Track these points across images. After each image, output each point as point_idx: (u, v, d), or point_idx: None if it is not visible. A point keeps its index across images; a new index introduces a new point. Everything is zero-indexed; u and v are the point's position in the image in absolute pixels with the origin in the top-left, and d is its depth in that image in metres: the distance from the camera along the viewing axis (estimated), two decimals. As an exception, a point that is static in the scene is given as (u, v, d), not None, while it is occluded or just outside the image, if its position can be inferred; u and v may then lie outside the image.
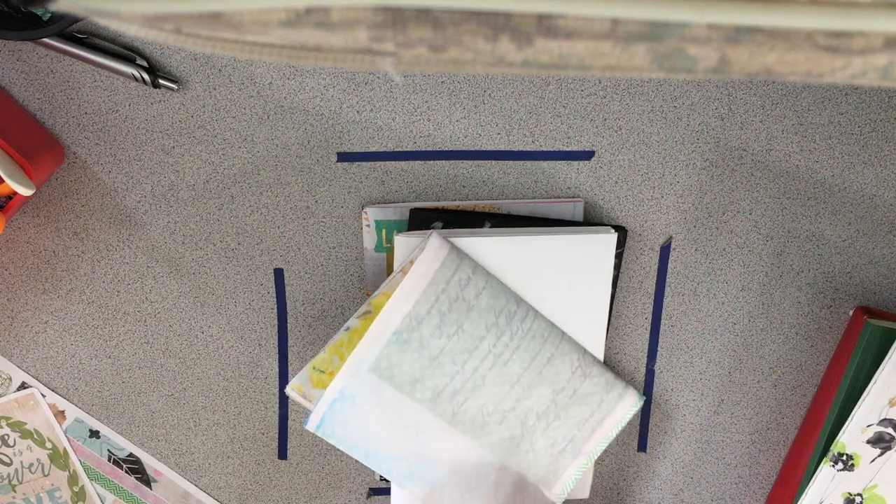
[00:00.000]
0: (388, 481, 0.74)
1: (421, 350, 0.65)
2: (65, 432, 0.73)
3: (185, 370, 0.73)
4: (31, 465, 0.74)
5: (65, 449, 0.74)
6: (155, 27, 0.33)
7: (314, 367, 0.66)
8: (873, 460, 0.67)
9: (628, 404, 0.70)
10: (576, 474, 0.71)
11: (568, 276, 0.67)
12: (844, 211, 0.70)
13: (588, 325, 0.68)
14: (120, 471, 0.74)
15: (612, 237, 0.66)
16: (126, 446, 0.74)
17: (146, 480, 0.75)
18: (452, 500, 0.68)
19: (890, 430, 0.66)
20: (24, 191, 0.61)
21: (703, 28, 0.31)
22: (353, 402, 0.66)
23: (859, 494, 0.68)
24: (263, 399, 0.74)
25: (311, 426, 0.66)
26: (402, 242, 0.66)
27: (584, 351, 0.69)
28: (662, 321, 0.73)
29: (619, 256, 0.70)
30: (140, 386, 0.73)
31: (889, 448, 0.67)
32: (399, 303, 0.64)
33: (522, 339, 0.66)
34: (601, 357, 0.69)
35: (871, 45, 0.31)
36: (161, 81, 0.66)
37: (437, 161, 0.70)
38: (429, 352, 0.65)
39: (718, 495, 0.76)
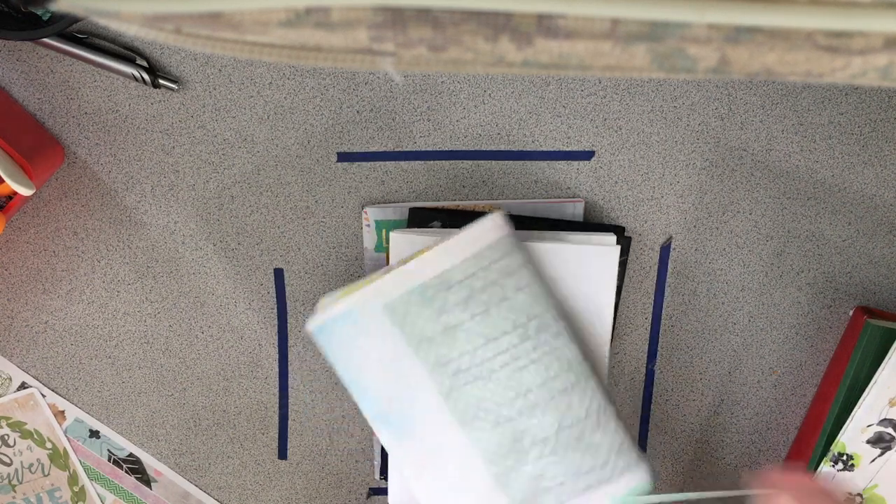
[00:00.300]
0: (387, 480, 0.74)
1: (440, 314, 0.63)
2: (65, 432, 0.73)
3: (185, 370, 0.73)
4: (31, 465, 0.74)
5: (65, 449, 0.74)
6: (155, 27, 0.33)
7: (344, 292, 0.64)
8: (873, 460, 0.67)
9: (635, 479, 0.64)
10: None
11: (569, 285, 0.67)
12: (844, 211, 0.70)
13: (590, 334, 0.68)
14: (120, 471, 0.74)
15: (616, 249, 0.65)
16: (126, 446, 0.74)
17: (146, 480, 0.75)
18: (415, 468, 0.66)
19: (890, 430, 0.66)
20: (24, 191, 0.61)
21: (703, 28, 0.31)
22: (357, 327, 0.64)
23: (859, 494, 0.68)
24: (263, 399, 0.74)
25: (310, 326, 0.64)
26: (399, 240, 0.66)
27: (609, 403, 0.64)
28: (662, 321, 0.73)
29: (622, 265, 0.70)
30: (140, 386, 0.73)
31: (889, 448, 0.67)
32: (436, 258, 0.62)
33: (546, 354, 0.64)
34: (605, 366, 0.68)
35: (871, 45, 0.31)
36: (161, 81, 0.66)
37: (437, 161, 0.70)
38: (447, 319, 0.63)
39: (718, 495, 0.77)
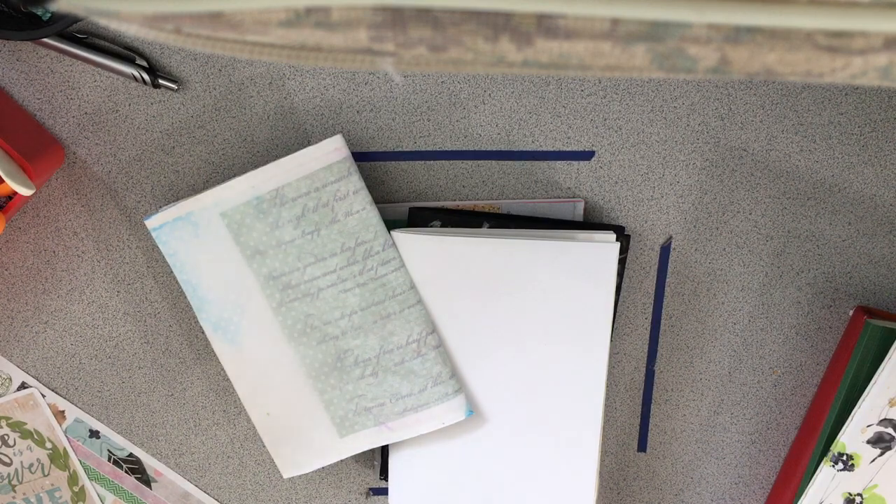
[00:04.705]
0: (387, 480, 0.74)
1: (274, 229, 0.65)
2: (65, 432, 0.73)
3: (185, 370, 0.73)
4: (31, 465, 0.74)
5: (65, 449, 0.74)
6: (155, 27, 0.33)
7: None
8: (873, 460, 0.67)
9: (451, 408, 0.67)
10: (372, 442, 0.69)
11: (567, 284, 0.67)
12: (844, 211, 0.70)
13: (590, 332, 0.68)
14: (120, 471, 0.74)
15: (615, 246, 0.66)
16: (126, 446, 0.74)
17: (146, 480, 0.75)
18: (246, 376, 0.68)
19: (890, 430, 0.66)
20: (24, 191, 0.61)
21: (703, 28, 0.31)
22: (195, 230, 0.66)
23: (859, 494, 0.68)
24: (263, 399, 0.74)
25: (149, 223, 0.66)
26: (399, 240, 0.66)
27: (434, 334, 0.67)
28: (662, 321, 0.73)
29: (622, 262, 0.70)
30: (140, 386, 0.73)
31: (889, 448, 0.67)
32: (273, 173, 0.64)
33: (372, 280, 0.65)
34: (605, 365, 0.68)
35: (871, 45, 0.31)
36: (161, 81, 0.66)
37: (437, 161, 0.70)
38: (280, 234, 0.65)
39: (718, 495, 0.76)
